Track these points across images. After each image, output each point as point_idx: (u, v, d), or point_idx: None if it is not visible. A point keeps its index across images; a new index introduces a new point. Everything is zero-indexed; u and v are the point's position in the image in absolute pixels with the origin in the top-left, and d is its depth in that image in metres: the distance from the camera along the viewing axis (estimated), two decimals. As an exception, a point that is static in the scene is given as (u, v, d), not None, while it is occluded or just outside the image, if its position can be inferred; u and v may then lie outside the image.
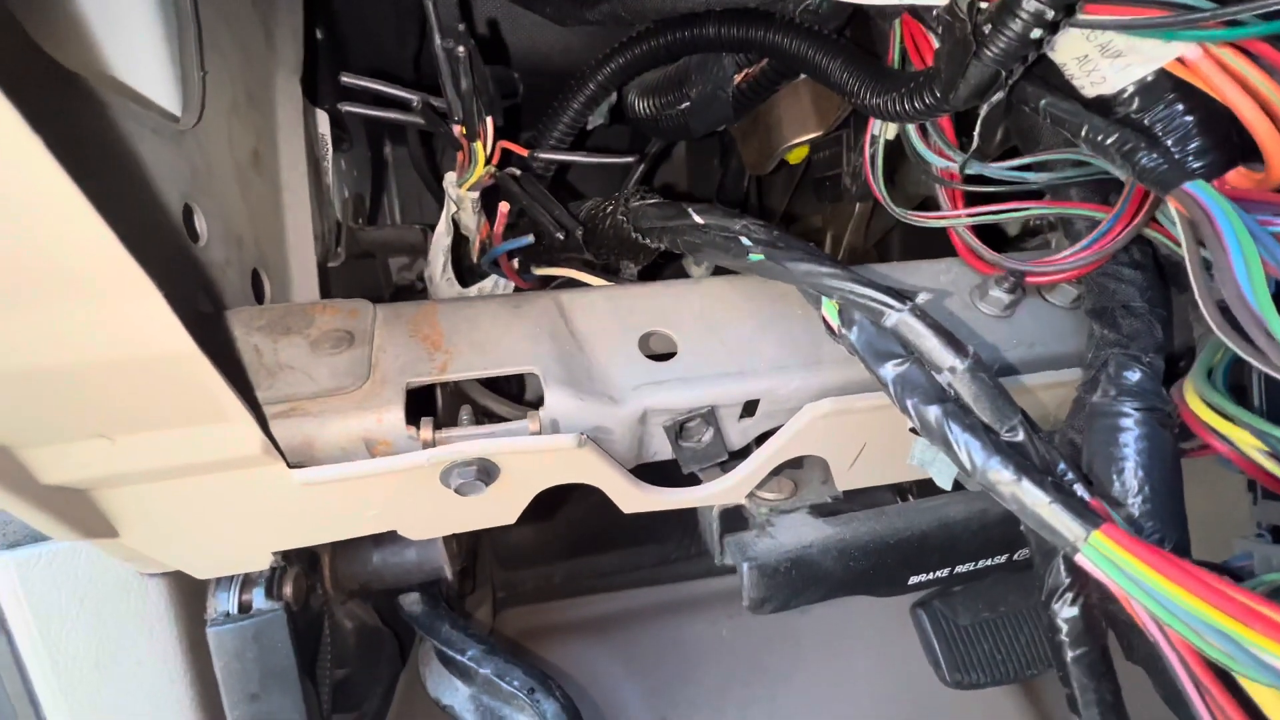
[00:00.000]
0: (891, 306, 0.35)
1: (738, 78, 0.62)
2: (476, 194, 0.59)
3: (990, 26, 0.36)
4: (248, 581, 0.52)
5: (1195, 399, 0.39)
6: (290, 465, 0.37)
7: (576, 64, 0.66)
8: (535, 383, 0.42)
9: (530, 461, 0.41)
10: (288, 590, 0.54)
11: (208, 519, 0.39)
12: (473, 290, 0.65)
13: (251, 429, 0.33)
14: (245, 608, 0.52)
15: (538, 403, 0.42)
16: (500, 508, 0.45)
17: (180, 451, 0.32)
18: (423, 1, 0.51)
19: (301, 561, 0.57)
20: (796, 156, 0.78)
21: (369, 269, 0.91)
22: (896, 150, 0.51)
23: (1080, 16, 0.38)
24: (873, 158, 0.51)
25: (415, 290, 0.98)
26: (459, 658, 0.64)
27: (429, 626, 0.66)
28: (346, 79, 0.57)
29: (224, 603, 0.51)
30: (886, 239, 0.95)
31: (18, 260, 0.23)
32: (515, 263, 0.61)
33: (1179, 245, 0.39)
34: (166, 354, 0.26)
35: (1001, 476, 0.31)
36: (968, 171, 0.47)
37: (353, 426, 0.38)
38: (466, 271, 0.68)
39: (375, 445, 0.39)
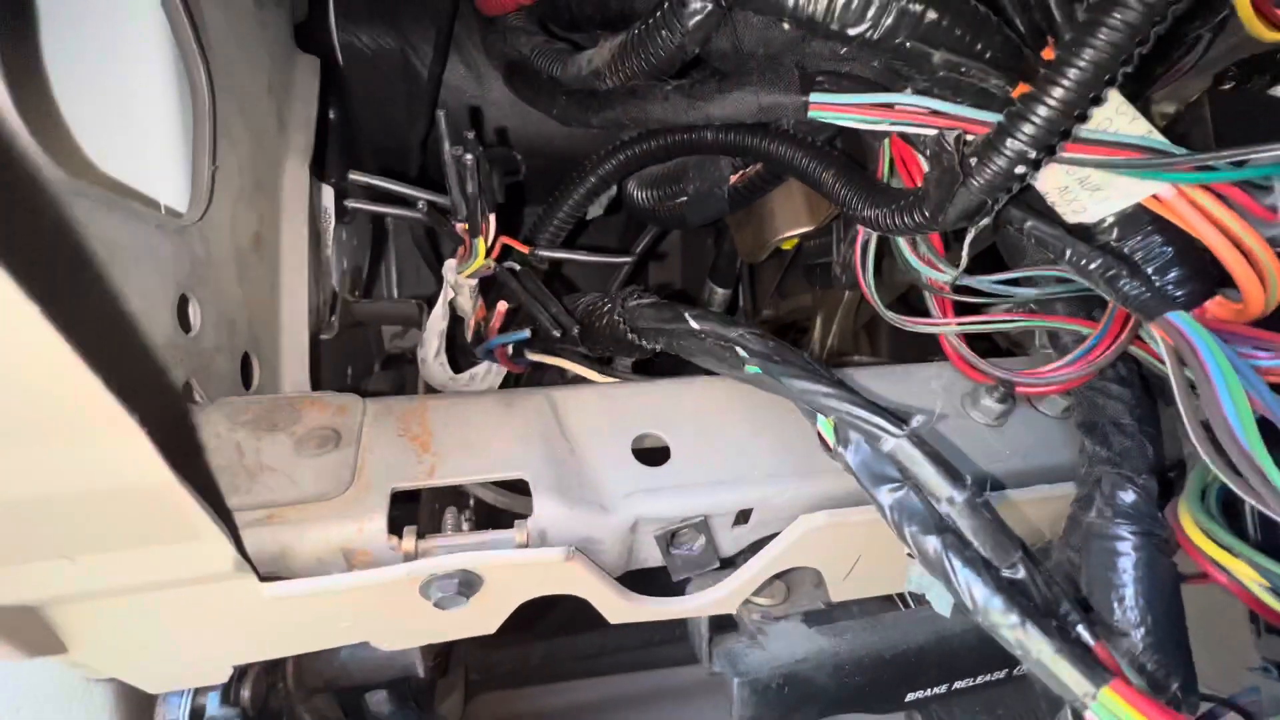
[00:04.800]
0: (888, 431, 0.35)
1: (734, 178, 0.65)
2: (475, 281, 0.60)
3: (976, 160, 0.38)
4: (201, 686, 0.49)
5: (1192, 526, 0.38)
6: (262, 577, 0.35)
7: (579, 146, 0.68)
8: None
9: (515, 574, 0.39)
10: (245, 694, 0.50)
11: (166, 633, 0.37)
12: (465, 376, 0.64)
13: (224, 547, 0.31)
14: (198, 714, 0.49)
15: (526, 489, 0.40)
16: (480, 618, 0.43)
17: (145, 569, 0.31)
18: (434, 113, 0.53)
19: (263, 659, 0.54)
20: (789, 244, 0.81)
21: (361, 337, 0.91)
22: (885, 241, 0.52)
23: (1061, 154, 0.40)
24: (863, 258, 0.53)
25: (406, 360, 0.97)
26: (426, 767, 0.60)
27: (396, 730, 0.61)
28: (355, 176, 0.58)
29: (174, 710, 0.48)
30: (876, 320, 0.97)
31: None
32: (509, 348, 0.61)
33: (1163, 363, 0.40)
34: (143, 484, 0.25)
35: (1006, 620, 0.30)
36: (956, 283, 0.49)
37: (333, 536, 0.37)
38: (460, 351, 0.68)
39: (354, 555, 0.37)
